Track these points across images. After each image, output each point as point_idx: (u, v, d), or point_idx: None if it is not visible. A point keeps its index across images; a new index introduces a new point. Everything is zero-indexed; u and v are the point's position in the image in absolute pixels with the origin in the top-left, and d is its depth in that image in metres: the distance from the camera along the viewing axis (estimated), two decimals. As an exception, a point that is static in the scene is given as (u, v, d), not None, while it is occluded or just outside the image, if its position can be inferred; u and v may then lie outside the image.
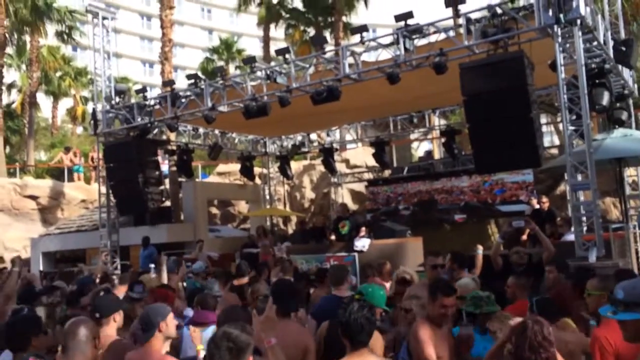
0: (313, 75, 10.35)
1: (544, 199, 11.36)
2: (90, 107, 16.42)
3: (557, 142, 19.87)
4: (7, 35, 22.37)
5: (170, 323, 3.44)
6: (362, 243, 11.59)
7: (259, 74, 10.71)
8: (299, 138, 16.90)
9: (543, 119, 14.02)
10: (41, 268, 15.71)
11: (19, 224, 18.50)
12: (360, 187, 17.63)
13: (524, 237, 11.01)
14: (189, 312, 5.29)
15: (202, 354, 3.73)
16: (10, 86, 30.47)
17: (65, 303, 5.62)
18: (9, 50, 26.46)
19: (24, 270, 7.41)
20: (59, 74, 31.36)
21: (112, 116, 13.02)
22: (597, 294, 3.64)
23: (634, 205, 11.27)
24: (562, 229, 9.88)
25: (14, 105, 30.71)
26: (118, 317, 3.90)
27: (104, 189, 13.69)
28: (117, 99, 13.05)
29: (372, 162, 16.56)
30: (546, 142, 15.83)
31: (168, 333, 3.41)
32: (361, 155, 19.03)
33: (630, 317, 2.44)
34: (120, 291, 5.94)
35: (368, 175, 17.61)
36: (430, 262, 5.33)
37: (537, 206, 11.46)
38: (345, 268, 5.95)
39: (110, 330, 3.78)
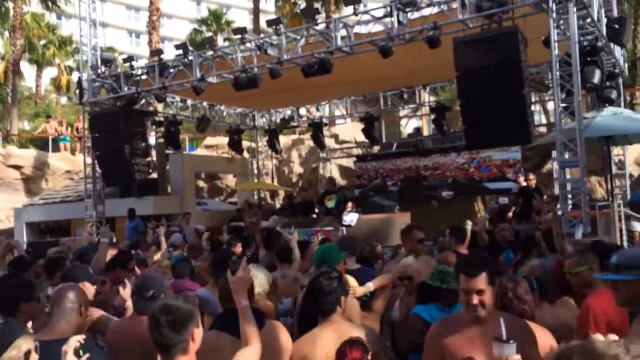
0: (304, 47, 10.20)
1: (531, 176, 11.43)
2: (75, 76, 16.12)
3: (544, 121, 19.95)
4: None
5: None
6: (351, 217, 11.63)
7: (249, 45, 10.52)
8: (288, 112, 16.76)
9: (532, 97, 14.02)
10: (25, 238, 15.54)
11: (2, 193, 18.28)
12: (349, 162, 17.59)
13: (510, 214, 11.14)
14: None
15: None
16: (-7, 54, 29.78)
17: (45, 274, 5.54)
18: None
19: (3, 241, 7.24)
20: (43, 42, 30.64)
21: (98, 85, 12.77)
22: (582, 269, 3.64)
23: (619, 184, 11.37)
24: (549, 206, 9.95)
25: (-4, 74, 30.00)
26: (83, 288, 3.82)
27: (89, 160, 13.48)
28: (103, 68, 12.78)
29: (361, 137, 16.51)
30: (535, 121, 15.87)
31: None
32: (350, 130, 18.95)
33: (617, 277, 2.61)
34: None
35: (357, 151, 17.56)
36: (417, 237, 5.20)
37: (524, 183, 11.53)
38: (350, 238, 5.98)
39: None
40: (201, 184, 20.19)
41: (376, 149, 16.84)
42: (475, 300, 2.60)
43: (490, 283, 2.64)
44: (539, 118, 20.42)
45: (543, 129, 14.48)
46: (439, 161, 14.94)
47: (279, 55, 9.97)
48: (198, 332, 2.29)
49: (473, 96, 8.39)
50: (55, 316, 2.80)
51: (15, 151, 19.63)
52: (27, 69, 31.55)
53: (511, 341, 2.31)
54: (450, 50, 8.24)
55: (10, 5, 25.99)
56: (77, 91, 13.05)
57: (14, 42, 25.99)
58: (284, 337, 2.93)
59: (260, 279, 4.65)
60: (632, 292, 2.60)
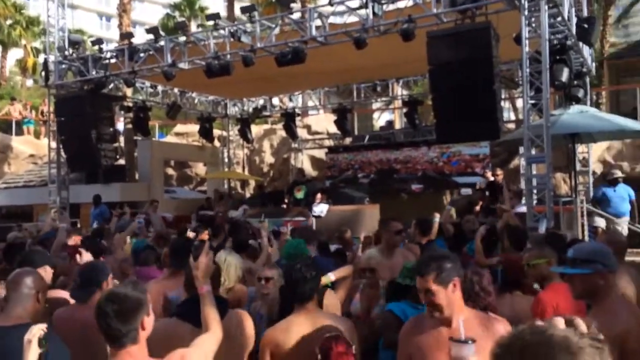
0: (278, 36, 10.11)
1: (499, 172, 11.62)
2: (41, 58, 15.64)
3: (513, 117, 20.27)
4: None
5: (111, 284, 3.31)
6: (320, 208, 11.63)
7: (222, 32, 10.38)
8: (261, 102, 16.65)
9: (502, 94, 14.25)
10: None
11: (-38, 177, 17.70)
12: (320, 153, 17.58)
13: (477, 208, 11.31)
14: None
15: None
16: (-45, 32, 28.70)
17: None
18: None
19: None
20: (9, 22, 29.68)
21: (64, 68, 12.43)
22: (541, 262, 3.70)
23: (583, 181, 11.65)
24: (512, 201, 10.13)
25: (-42, 53, 28.99)
26: (43, 272, 3.73)
27: (54, 144, 13.14)
28: (71, 50, 12.44)
29: (333, 129, 16.52)
30: (504, 117, 16.13)
31: None
32: (323, 121, 18.92)
33: (572, 271, 2.68)
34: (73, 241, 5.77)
35: (329, 142, 17.57)
36: (395, 228, 5.09)
37: (492, 178, 11.72)
38: (312, 229, 5.97)
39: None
40: (170, 171, 19.91)
41: (348, 141, 16.88)
42: (424, 299, 2.54)
43: (441, 283, 2.47)
44: (508, 115, 20.76)
45: (512, 125, 14.72)
46: (410, 155, 15.06)
47: (252, 43, 9.87)
48: (148, 320, 2.21)
49: (445, 90, 8.46)
50: (11, 302, 2.71)
51: (-24, 133, 19.02)
52: (-9, 49, 30.53)
53: (469, 342, 2.23)
54: (423, 44, 8.28)
55: (-26, -18, 25.07)
56: (43, 73, 12.68)
57: (-23, 20, 25.13)
58: (248, 325, 2.91)
59: (234, 265, 4.63)
60: (587, 286, 2.66)
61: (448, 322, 2.52)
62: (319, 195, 12.30)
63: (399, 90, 16.00)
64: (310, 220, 8.97)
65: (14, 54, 32.26)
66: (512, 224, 6.30)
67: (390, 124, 18.88)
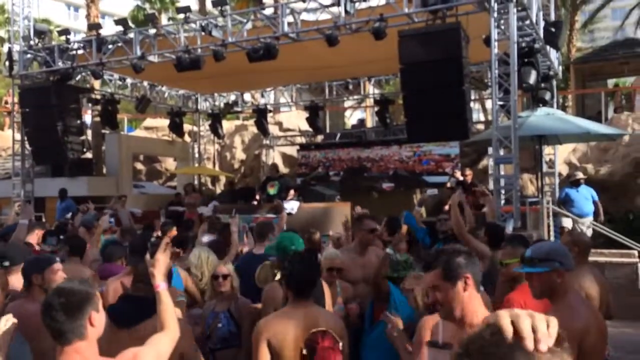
0: (250, 31, 10.05)
1: (468, 172, 11.78)
2: (6, 48, 15.18)
3: (482, 118, 20.59)
4: None
5: (48, 276, 3.22)
6: (291, 205, 11.59)
7: (193, 25, 10.25)
8: (233, 97, 16.51)
9: (472, 95, 14.46)
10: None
11: None
12: (292, 150, 17.53)
13: (446, 207, 11.42)
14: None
15: None
16: None
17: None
18: None
19: None
20: (-29, 9, 28.74)
21: (30, 58, 12.11)
22: (512, 262, 3.75)
23: (549, 182, 11.90)
24: (481, 200, 10.27)
25: None
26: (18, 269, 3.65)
27: (18, 136, 12.80)
28: (37, 40, 12.12)
29: (305, 126, 16.50)
30: (473, 118, 16.37)
31: (45, 286, 3.17)
32: (295, 118, 18.88)
33: (530, 270, 2.74)
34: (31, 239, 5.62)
35: (300, 139, 17.53)
36: (368, 226, 4.98)
37: (461, 178, 11.87)
38: (270, 224, 5.90)
39: (18, 281, 3.52)
40: (139, 166, 19.60)
41: (320, 138, 16.87)
42: (432, 297, 2.34)
43: (448, 278, 2.24)
44: (478, 116, 21.09)
45: (481, 126, 14.94)
46: (380, 153, 15.14)
47: (223, 38, 9.77)
48: (98, 317, 2.15)
49: (415, 90, 8.53)
50: None
51: (-64, 124, 18.39)
52: (-47, 37, 29.49)
53: (447, 349, 2.08)
54: (395, 43, 8.32)
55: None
56: (7, 63, 12.31)
57: (-62, 7, 24.27)
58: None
59: (211, 259, 4.58)
60: (545, 284, 2.72)
61: (461, 325, 2.23)
62: (291, 192, 12.27)
63: (371, 89, 16.08)
64: (282, 216, 8.92)
65: (-22, 42, 31.24)
66: (491, 220, 6.34)
67: (361, 122, 18.96)
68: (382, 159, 15.09)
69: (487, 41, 8.30)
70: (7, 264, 3.61)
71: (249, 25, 10.00)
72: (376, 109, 14.74)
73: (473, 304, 2.21)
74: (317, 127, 15.37)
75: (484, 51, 8.66)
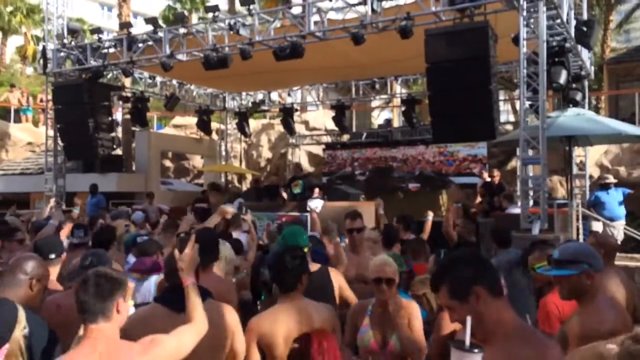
0: (277, 30, 10.09)
1: (496, 173, 11.61)
2: (41, 46, 15.55)
3: (512, 119, 20.27)
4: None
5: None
6: (315, 204, 11.57)
7: (221, 24, 10.36)
8: (260, 96, 16.63)
9: (501, 95, 14.25)
10: (-19, 210, 15.08)
11: (-42, 162, 17.66)
12: (317, 149, 17.56)
13: (474, 210, 11.25)
14: (132, 258, 5.12)
15: (132, 310, 3.36)
16: (-45, 17, 28.57)
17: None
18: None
19: None
20: (9, 8, 29.55)
21: (63, 56, 12.41)
22: (542, 265, 3.69)
23: (579, 184, 11.66)
24: (504, 203, 10.13)
25: (-42, 39, 28.88)
26: (59, 261, 3.76)
27: (51, 132, 13.14)
28: (70, 39, 12.41)
29: (331, 125, 16.51)
30: (502, 119, 16.14)
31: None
32: (321, 117, 18.90)
33: (559, 273, 2.68)
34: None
35: (326, 139, 17.55)
36: (348, 226, 4.74)
37: (488, 179, 11.71)
38: (301, 221, 5.93)
39: (52, 274, 3.60)
40: (167, 163, 19.89)
41: (345, 137, 16.86)
42: (451, 319, 2.07)
43: (456, 296, 1.95)
44: (507, 117, 20.77)
45: (510, 127, 14.72)
46: (407, 153, 15.06)
47: (250, 36, 9.85)
48: (124, 305, 2.26)
49: (441, 89, 8.45)
50: (4, 286, 2.70)
51: (-27, 120, 18.98)
52: (-9, 36, 30.41)
53: (476, 350, 1.76)
54: (422, 42, 8.26)
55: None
56: (42, 61, 12.64)
57: (-22, 7, 25.02)
58: (229, 316, 2.90)
59: (225, 257, 4.62)
60: (575, 286, 2.66)
61: (491, 335, 1.93)
62: (316, 191, 12.28)
63: (398, 89, 15.99)
64: (314, 217, 8.91)
65: (15, 41, 32.14)
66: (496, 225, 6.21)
67: (388, 122, 18.86)
68: (408, 159, 15.01)
69: (516, 40, 8.18)
70: (52, 256, 3.71)
71: (276, 24, 10.06)
72: (403, 108, 14.66)
73: (493, 313, 1.92)
74: (344, 126, 15.37)
75: (513, 50, 8.54)
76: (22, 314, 2.07)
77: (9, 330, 1.96)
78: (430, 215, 7.28)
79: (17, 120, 19.73)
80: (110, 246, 5.04)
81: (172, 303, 2.71)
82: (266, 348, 2.89)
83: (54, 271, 3.66)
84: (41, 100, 19.03)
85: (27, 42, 30.64)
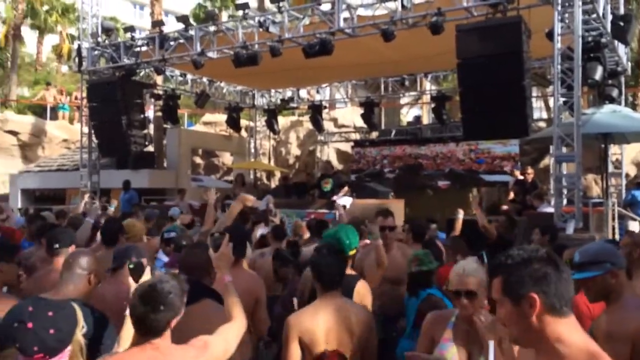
0: (307, 27, 10.11)
1: (529, 170, 11.38)
2: (76, 45, 15.92)
3: (545, 116, 19.87)
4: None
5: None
6: (344, 201, 11.59)
7: (251, 22, 10.43)
8: (289, 93, 16.69)
9: (533, 92, 13.97)
10: (19, 205, 15.52)
11: (-3, 158, 18.22)
12: (346, 147, 17.54)
13: (505, 207, 11.04)
14: (162, 255, 5.19)
15: None
16: (-7, 17, 29.41)
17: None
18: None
19: None
20: (45, 8, 30.26)
21: (97, 54, 12.67)
22: None
23: (615, 183, 11.36)
24: (535, 202, 9.93)
25: (-3, 38, 29.68)
26: (64, 252, 3.83)
27: (86, 129, 13.44)
28: (104, 37, 12.67)
29: (360, 122, 16.47)
30: (535, 116, 15.86)
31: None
32: (350, 115, 18.87)
33: (582, 275, 2.58)
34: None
35: (355, 136, 17.52)
36: (380, 223, 4.56)
37: (521, 177, 11.50)
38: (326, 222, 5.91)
39: (57, 263, 3.69)
40: (198, 160, 20.14)
41: (374, 135, 16.80)
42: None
43: (507, 293, 1.68)
44: (540, 114, 20.36)
45: (543, 124, 14.45)
46: (436, 151, 14.92)
47: (280, 34, 9.88)
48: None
49: (473, 85, 8.34)
50: (64, 280, 2.80)
51: (12, 117, 19.54)
52: (29, 35, 31.18)
53: None
54: (453, 38, 8.17)
55: (13, -32, 25.70)
56: (76, 59, 12.94)
57: (15, 6, 25.71)
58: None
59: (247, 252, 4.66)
60: (601, 287, 2.60)
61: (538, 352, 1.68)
62: (345, 188, 12.27)
63: (428, 85, 15.84)
64: (342, 214, 8.91)
65: (50, 40, 32.92)
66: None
67: (417, 119, 18.71)
68: (438, 157, 14.87)
69: (550, 35, 8.01)
70: (57, 246, 3.77)
71: (305, 21, 10.07)
72: (433, 105, 14.52)
73: (549, 329, 1.62)
74: (372, 123, 15.30)
75: (546, 46, 8.38)
76: (79, 314, 2.11)
77: (73, 333, 2.01)
78: (461, 214, 7.16)
79: (53, 117, 20.27)
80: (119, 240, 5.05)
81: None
82: (307, 345, 2.88)
83: (59, 261, 3.73)
84: (76, 98, 19.47)
85: (63, 41, 31.34)
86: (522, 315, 1.62)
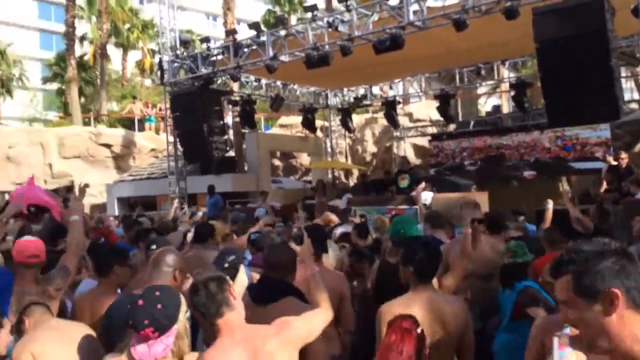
0: (375, 23, 10.03)
1: (623, 155, 10.65)
2: (157, 59, 16.77)
3: (637, 97, 18.56)
4: (77, -13, 22.95)
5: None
6: (425, 196, 11.40)
7: (320, 23, 10.50)
8: (361, 91, 16.66)
9: (622, 72, 13.10)
10: (116, 212, 16.52)
11: (94, 170, 19.49)
12: (423, 141, 17.27)
13: (602, 191, 10.30)
14: (247, 254, 5.37)
15: None
16: (82, 38, 31.43)
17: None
18: (80, 1, 27.15)
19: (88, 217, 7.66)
20: (127, 26, 32.08)
21: (177, 66, 13.24)
22: None
23: None
24: (632, 189, 9.26)
25: (86, 57, 31.80)
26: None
27: (171, 138, 14.11)
28: (182, 50, 13.23)
29: (436, 115, 16.16)
30: (625, 97, 14.86)
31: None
32: (425, 108, 18.56)
33: None
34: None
35: (432, 130, 17.22)
36: (469, 215, 4.53)
37: (614, 163, 10.80)
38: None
39: None
40: (276, 162, 20.56)
41: (452, 127, 16.41)
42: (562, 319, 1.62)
43: (581, 293, 1.49)
44: (631, 95, 19.05)
45: (634, 105, 13.52)
46: (519, 140, 14.36)
47: (349, 32, 9.87)
48: (234, 291, 2.38)
49: (554, 69, 7.94)
50: (151, 277, 2.97)
51: (105, 130, 20.86)
52: (114, 52, 33.18)
53: None
54: (530, 21, 7.81)
55: (96, -10, 27.41)
56: (159, 72, 13.60)
57: (100, 26, 27.45)
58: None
59: (330, 255, 4.74)
60: None
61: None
62: (423, 183, 12.08)
63: (506, 73, 15.26)
64: (420, 208, 8.77)
65: (133, 55, 34.86)
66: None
67: (497, 108, 18.06)
68: (521, 146, 14.32)
69: (636, 12, 7.47)
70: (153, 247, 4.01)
71: (374, 17, 10.00)
72: (512, 93, 13.97)
73: (628, 327, 1.46)
74: (449, 116, 14.97)
75: (633, 23, 7.82)
76: (182, 297, 2.27)
77: (178, 312, 2.16)
78: (550, 204, 6.80)
79: (141, 129, 21.43)
80: (208, 241, 5.27)
81: (256, 295, 2.86)
82: None
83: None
84: (160, 109, 20.49)
85: (144, 56, 33.13)
86: (599, 315, 1.46)
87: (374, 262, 4.48)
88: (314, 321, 2.50)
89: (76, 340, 2.66)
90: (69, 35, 22.90)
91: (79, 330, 2.77)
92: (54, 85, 34.72)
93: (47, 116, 34.17)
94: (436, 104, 15.00)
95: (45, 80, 35.35)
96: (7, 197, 17.19)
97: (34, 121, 32.52)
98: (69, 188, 16.69)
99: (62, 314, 3.29)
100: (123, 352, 2.18)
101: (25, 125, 29.46)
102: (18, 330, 2.78)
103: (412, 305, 2.89)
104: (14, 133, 19.80)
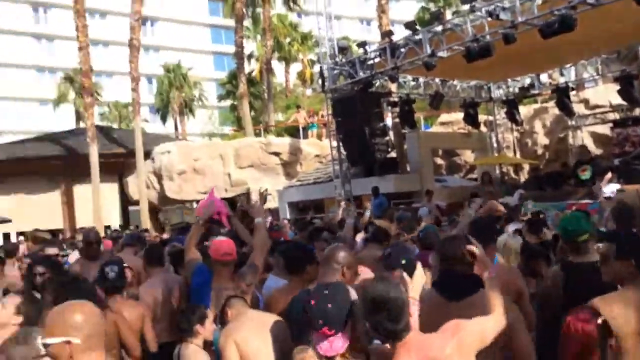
0: (541, 6, 9.39)
1: None
2: (316, 68, 17.60)
3: None
4: (244, 9, 24.91)
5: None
6: (610, 189, 10.37)
7: (479, 13, 10.12)
8: (527, 80, 15.71)
9: None
10: (288, 216, 17.56)
11: (266, 177, 20.96)
12: (604, 129, 15.74)
13: None
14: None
15: None
16: (249, 56, 34.12)
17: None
18: (246, 22, 29.42)
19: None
20: (288, 40, 34.06)
21: (336, 73, 13.72)
22: None
23: None
24: None
25: (253, 74, 34.42)
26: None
27: (334, 143, 14.64)
28: (340, 56, 13.67)
29: (617, 100, 14.67)
30: None
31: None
32: (603, 93, 16.87)
33: None
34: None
35: (613, 116, 15.65)
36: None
37: None
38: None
39: None
40: (439, 161, 20.22)
41: (638, 111, 14.72)
42: None
43: None
44: None
45: None
46: None
47: (512, 19, 9.38)
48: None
49: None
50: (321, 273, 3.15)
51: (274, 140, 22.37)
52: (277, 66, 35.45)
53: None
54: None
55: (260, 10, 29.44)
56: (320, 80, 14.22)
57: (264, 43, 29.48)
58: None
59: (513, 249, 4.57)
60: None
61: None
62: (608, 175, 11.00)
63: None
64: (602, 201, 8.00)
65: (294, 67, 36.91)
66: None
67: (694, 85, 15.75)
68: None
69: None
70: None
71: (538, 1, 9.37)
72: None
73: None
74: (634, 99, 13.54)
75: None
76: (352, 292, 2.38)
77: (349, 307, 2.25)
78: None
79: (305, 136, 22.58)
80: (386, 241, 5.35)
81: (446, 290, 2.80)
82: (619, 335, 2.56)
83: None
84: (322, 116, 21.38)
85: (305, 67, 34.86)
86: None
87: (550, 261, 4.19)
88: (487, 326, 2.41)
89: (271, 329, 2.92)
90: (239, 55, 24.97)
91: (273, 320, 3.02)
92: (227, 102, 38.20)
93: (223, 130, 37.74)
94: (617, 87, 13.65)
95: (220, 98, 39.09)
96: (194, 205, 19.31)
97: (212, 136, 36.09)
98: (247, 195, 18.19)
99: (255, 306, 3.60)
100: (309, 347, 2.29)
101: (205, 140, 32.76)
102: (222, 320, 3.13)
103: (631, 302, 2.57)
104: (198, 148, 22.17)
